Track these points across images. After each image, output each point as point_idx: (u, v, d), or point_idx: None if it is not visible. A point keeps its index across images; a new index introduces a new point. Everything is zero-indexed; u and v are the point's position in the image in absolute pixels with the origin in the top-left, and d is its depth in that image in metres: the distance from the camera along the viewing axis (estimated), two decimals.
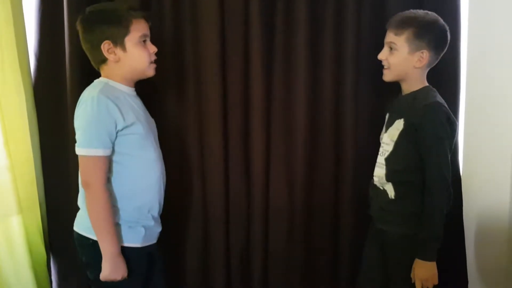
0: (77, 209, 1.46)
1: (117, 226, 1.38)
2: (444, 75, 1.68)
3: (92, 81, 1.44)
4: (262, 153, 1.77)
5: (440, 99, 1.46)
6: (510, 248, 1.59)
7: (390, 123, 1.53)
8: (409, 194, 1.48)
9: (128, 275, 1.37)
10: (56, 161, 1.75)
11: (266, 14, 1.69)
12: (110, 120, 1.33)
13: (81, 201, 1.44)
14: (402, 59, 1.46)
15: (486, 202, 1.68)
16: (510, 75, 1.56)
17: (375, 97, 1.74)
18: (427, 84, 1.51)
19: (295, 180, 1.80)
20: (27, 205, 1.70)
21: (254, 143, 1.77)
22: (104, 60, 1.40)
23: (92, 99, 1.32)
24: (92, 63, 1.44)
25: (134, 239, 1.41)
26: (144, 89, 1.65)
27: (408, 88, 1.52)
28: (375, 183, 1.57)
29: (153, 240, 1.50)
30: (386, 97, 1.65)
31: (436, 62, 1.50)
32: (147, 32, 1.43)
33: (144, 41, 1.42)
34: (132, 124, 1.38)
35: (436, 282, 1.43)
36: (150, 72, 1.46)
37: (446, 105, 1.45)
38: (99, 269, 1.35)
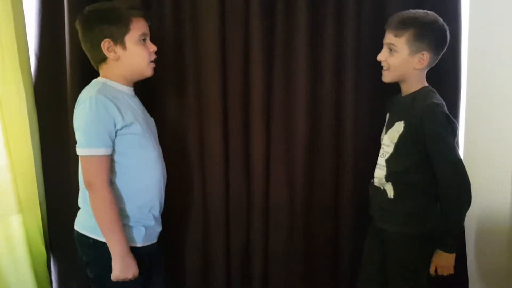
0: (78, 208, 1.46)
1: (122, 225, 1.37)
2: (445, 75, 1.68)
3: (91, 81, 1.44)
4: (262, 153, 1.77)
5: (438, 99, 1.45)
6: (510, 248, 1.59)
7: (390, 125, 1.52)
8: (409, 194, 1.48)
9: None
10: (56, 160, 1.76)
11: (266, 14, 1.69)
12: (109, 119, 1.33)
13: (81, 200, 1.44)
14: (402, 61, 1.45)
15: (486, 202, 1.68)
16: (511, 75, 1.56)
17: (375, 97, 1.74)
18: (426, 84, 1.51)
19: (295, 180, 1.79)
20: (27, 204, 1.70)
21: (254, 143, 1.77)
22: (104, 59, 1.40)
23: (90, 99, 1.31)
24: (92, 62, 1.44)
25: (134, 239, 1.41)
26: (145, 88, 1.66)
27: (407, 89, 1.51)
28: (375, 183, 1.57)
29: (153, 240, 1.50)
30: (386, 97, 1.65)
31: (436, 62, 1.49)
32: (147, 31, 1.43)
33: (144, 40, 1.42)
34: (131, 124, 1.38)
35: (451, 272, 1.48)
36: (149, 72, 1.46)
37: (444, 106, 1.44)
38: (99, 268, 1.36)
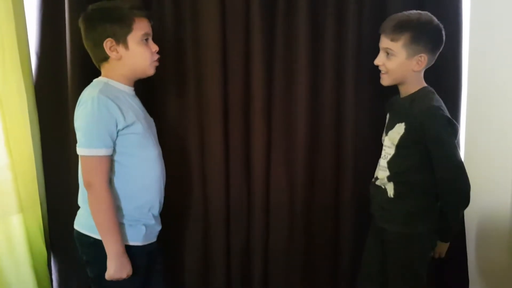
0: (78, 208, 1.46)
1: (119, 225, 1.37)
2: (445, 75, 1.69)
3: (92, 80, 1.44)
4: (263, 153, 1.78)
5: (437, 101, 1.45)
6: (510, 249, 1.60)
7: (391, 126, 1.52)
8: (409, 193, 1.49)
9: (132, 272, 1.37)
10: (57, 160, 1.75)
11: (267, 14, 1.69)
12: (111, 119, 1.33)
13: (81, 200, 1.44)
14: (400, 64, 1.45)
15: (487, 202, 1.68)
16: (511, 75, 1.56)
17: (375, 97, 1.75)
18: (425, 84, 1.51)
19: (295, 180, 1.80)
20: (28, 204, 1.70)
21: (254, 143, 1.77)
22: (106, 58, 1.40)
23: (92, 99, 1.31)
24: (94, 61, 1.44)
25: (135, 238, 1.42)
26: (145, 88, 1.66)
27: (406, 90, 1.51)
28: (376, 183, 1.58)
29: (153, 239, 1.50)
30: (387, 97, 1.65)
31: (433, 61, 1.49)
32: (149, 31, 1.43)
33: (147, 40, 1.42)
34: (132, 124, 1.38)
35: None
36: (151, 71, 1.46)
37: (444, 107, 1.44)
38: (99, 268, 1.36)
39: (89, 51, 1.43)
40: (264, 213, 1.81)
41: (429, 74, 1.54)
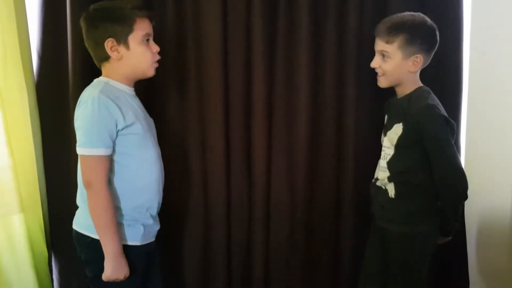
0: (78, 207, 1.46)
1: (118, 225, 1.37)
2: (446, 75, 1.69)
3: (93, 80, 1.44)
4: (264, 153, 1.78)
5: (433, 100, 1.46)
6: (511, 249, 1.60)
7: (389, 127, 1.53)
8: (410, 193, 1.49)
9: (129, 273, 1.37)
10: (58, 159, 1.75)
11: (269, 14, 1.69)
12: (111, 119, 1.33)
13: (80, 199, 1.44)
14: (396, 66, 1.47)
15: (487, 203, 1.69)
16: None
17: (376, 97, 1.74)
18: (421, 84, 1.52)
19: (296, 180, 1.80)
20: (29, 203, 1.70)
21: (255, 144, 1.77)
22: (106, 58, 1.40)
23: (93, 99, 1.31)
24: (94, 60, 1.44)
25: (133, 238, 1.41)
26: (147, 89, 1.66)
27: (403, 91, 1.52)
28: (377, 183, 1.58)
29: (151, 238, 1.50)
30: (387, 96, 1.65)
31: (429, 62, 1.50)
32: (151, 31, 1.43)
33: (147, 40, 1.42)
34: (132, 124, 1.38)
35: None
36: (151, 71, 1.46)
37: (440, 105, 1.45)
38: (97, 267, 1.35)
39: (90, 51, 1.43)
40: (264, 213, 1.81)
41: (430, 75, 1.55)
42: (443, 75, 1.70)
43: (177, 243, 1.82)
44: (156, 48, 1.44)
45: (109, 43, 1.36)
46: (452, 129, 1.43)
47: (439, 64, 1.68)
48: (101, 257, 1.34)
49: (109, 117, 1.32)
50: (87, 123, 1.32)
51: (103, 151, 1.33)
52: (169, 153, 1.68)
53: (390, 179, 1.51)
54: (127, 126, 1.36)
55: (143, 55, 1.41)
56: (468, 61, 1.73)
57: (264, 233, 1.82)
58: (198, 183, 1.79)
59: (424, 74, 1.55)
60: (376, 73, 1.54)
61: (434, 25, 1.47)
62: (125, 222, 1.40)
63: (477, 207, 1.71)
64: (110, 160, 1.36)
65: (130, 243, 1.40)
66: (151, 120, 1.54)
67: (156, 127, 1.57)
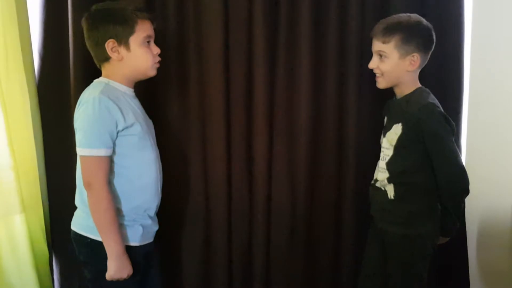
0: None
1: (119, 225, 1.38)
2: (448, 77, 1.69)
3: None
4: (265, 154, 1.78)
5: (433, 99, 1.47)
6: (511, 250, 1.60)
7: (388, 128, 1.53)
8: (409, 194, 1.49)
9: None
10: (59, 160, 1.75)
11: (270, 15, 1.70)
12: (111, 120, 1.33)
13: (78, 200, 1.44)
14: (393, 65, 1.48)
15: (488, 204, 1.69)
16: None
17: (378, 97, 1.74)
18: (419, 85, 1.53)
19: (297, 181, 1.80)
20: (30, 204, 1.70)
21: (256, 144, 1.77)
22: (107, 59, 1.40)
23: (93, 99, 1.32)
24: (95, 60, 1.44)
25: (132, 238, 1.42)
26: (148, 90, 1.66)
27: (401, 91, 1.53)
28: (376, 185, 1.58)
29: (150, 239, 1.50)
30: (389, 96, 1.65)
31: (426, 62, 1.51)
32: (152, 33, 1.44)
33: (148, 42, 1.42)
34: (132, 125, 1.38)
35: None
36: (152, 73, 1.46)
37: (439, 105, 1.46)
38: (96, 268, 1.36)
39: (90, 51, 1.43)
40: (265, 214, 1.81)
41: (431, 76, 1.55)
42: (445, 76, 1.70)
43: (177, 244, 1.82)
44: (156, 50, 1.45)
45: (109, 44, 1.37)
46: (451, 128, 1.44)
47: (441, 66, 1.68)
48: (100, 258, 1.34)
49: (110, 117, 1.33)
50: (88, 124, 1.33)
51: (103, 152, 1.33)
52: (170, 154, 1.69)
53: (389, 180, 1.51)
54: (127, 127, 1.37)
55: (144, 57, 1.41)
56: (469, 63, 1.72)
57: (264, 234, 1.82)
58: (198, 184, 1.78)
59: (425, 76, 1.56)
60: None
61: (430, 25, 1.48)
62: (123, 223, 1.40)
63: (478, 208, 1.71)
64: (110, 161, 1.36)
65: (129, 243, 1.40)
66: (150, 121, 1.54)
67: (157, 128, 1.57)
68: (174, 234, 1.79)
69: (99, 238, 1.35)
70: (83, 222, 1.40)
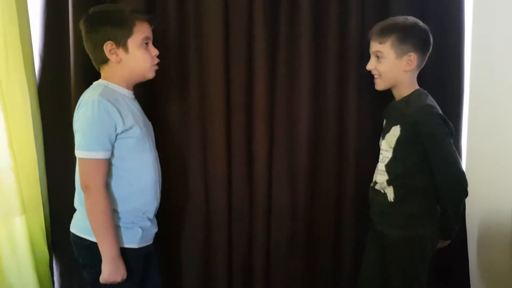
0: None
1: (115, 228, 1.38)
2: (448, 76, 1.69)
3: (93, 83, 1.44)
4: (265, 155, 1.77)
5: (431, 101, 1.47)
6: None
7: (387, 130, 1.53)
8: (409, 196, 1.49)
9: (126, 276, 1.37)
10: (60, 162, 1.75)
11: (270, 15, 1.70)
12: (111, 123, 1.33)
13: (77, 202, 1.44)
14: (391, 65, 1.48)
15: (488, 205, 1.68)
16: None
17: (378, 97, 1.74)
18: (418, 87, 1.53)
19: (297, 181, 1.80)
20: (31, 205, 1.70)
21: (256, 145, 1.77)
22: (105, 61, 1.40)
23: (92, 102, 1.32)
24: (94, 63, 1.44)
25: (131, 240, 1.42)
26: (148, 91, 1.66)
27: (400, 93, 1.53)
28: (375, 187, 1.58)
29: (149, 241, 1.50)
30: (388, 97, 1.65)
31: (423, 64, 1.51)
32: (150, 35, 1.44)
33: (147, 43, 1.43)
34: (131, 128, 1.38)
35: None
36: (150, 74, 1.46)
37: (437, 107, 1.46)
38: (95, 270, 1.36)
39: (89, 53, 1.43)
40: (266, 215, 1.81)
41: (431, 78, 1.54)
42: (445, 77, 1.69)
43: (177, 244, 1.82)
44: (155, 52, 1.45)
45: (108, 46, 1.37)
46: (449, 129, 1.43)
47: (441, 66, 1.68)
48: (99, 260, 1.34)
49: (109, 120, 1.33)
50: (87, 126, 1.33)
51: (101, 155, 1.33)
52: (170, 155, 1.69)
53: (389, 182, 1.50)
54: (126, 130, 1.37)
55: (142, 59, 1.41)
56: (470, 64, 1.72)
57: (264, 235, 1.82)
58: (199, 185, 1.78)
59: (425, 76, 1.55)
60: None
61: (427, 27, 1.49)
62: (122, 225, 1.40)
63: (478, 209, 1.71)
64: (108, 164, 1.36)
65: (127, 245, 1.40)
66: (149, 124, 1.55)
67: (157, 128, 1.57)
68: (174, 234, 1.79)
69: None
70: (82, 224, 1.40)
